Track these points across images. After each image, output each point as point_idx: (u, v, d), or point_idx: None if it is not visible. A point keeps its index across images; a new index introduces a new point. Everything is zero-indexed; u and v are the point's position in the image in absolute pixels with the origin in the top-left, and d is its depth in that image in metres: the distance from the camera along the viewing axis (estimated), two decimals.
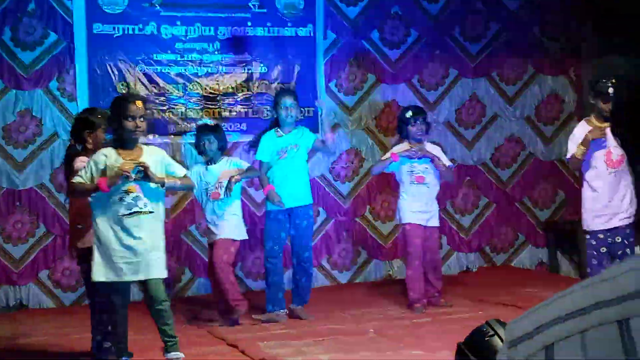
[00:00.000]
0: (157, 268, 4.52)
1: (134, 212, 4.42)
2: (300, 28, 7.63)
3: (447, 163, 6.44)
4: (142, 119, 4.50)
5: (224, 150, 6.10)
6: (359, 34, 7.85)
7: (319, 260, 7.68)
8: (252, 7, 7.49)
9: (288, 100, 6.09)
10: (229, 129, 7.46)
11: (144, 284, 4.59)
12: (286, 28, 7.60)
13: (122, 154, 4.47)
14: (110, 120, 4.55)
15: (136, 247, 4.43)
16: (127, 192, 4.40)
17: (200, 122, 6.25)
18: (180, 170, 4.73)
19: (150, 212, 4.47)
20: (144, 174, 4.36)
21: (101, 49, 7.12)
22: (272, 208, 6.06)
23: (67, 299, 7.10)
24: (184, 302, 6.88)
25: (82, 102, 7.03)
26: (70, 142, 5.02)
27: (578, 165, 5.42)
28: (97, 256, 4.42)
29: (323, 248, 7.78)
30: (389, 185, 7.96)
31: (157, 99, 7.29)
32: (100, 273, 4.41)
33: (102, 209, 4.43)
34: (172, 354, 4.59)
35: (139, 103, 4.55)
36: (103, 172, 4.41)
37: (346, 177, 7.91)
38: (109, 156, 4.45)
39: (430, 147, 6.39)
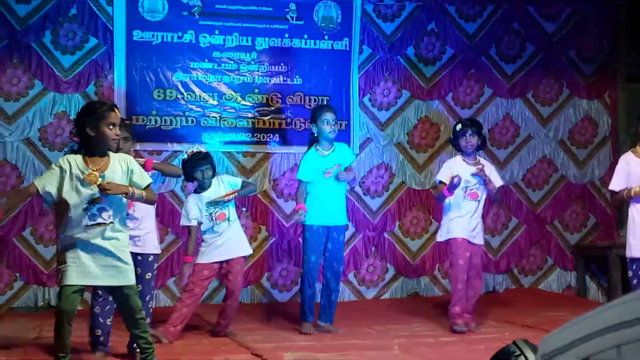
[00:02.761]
0: (125, 275, 4.40)
1: (98, 224, 4.31)
2: (337, 41, 7.67)
3: (500, 182, 6.35)
4: (118, 128, 4.38)
5: (214, 175, 5.95)
6: (394, 49, 7.87)
7: (346, 275, 7.68)
8: (290, 19, 7.55)
9: (330, 116, 6.05)
10: (262, 140, 7.52)
11: (115, 294, 4.49)
12: (323, 41, 7.64)
13: (90, 161, 4.32)
14: (82, 126, 4.30)
15: (101, 256, 4.32)
16: (93, 202, 4.29)
17: (190, 151, 6.02)
18: (144, 181, 4.50)
19: (112, 223, 4.35)
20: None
21: (140, 56, 7.22)
22: (311, 222, 6.05)
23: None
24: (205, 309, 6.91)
25: (119, 108, 7.08)
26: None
27: (623, 201, 5.48)
28: (64, 261, 4.30)
29: (351, 263, 7.78)
30: (420, 202, 7.96)
31: (192, 106, 7.36)
32: (69, 278, 4.28)
33: (69, 217, 4.33)
34: None
35: (117, 111, 4.42)
36: (61, 179, 4.29)
37: (376, 192, 7.91)
38: (73, 164, 4.31)
39: (485, 164, 6.27)
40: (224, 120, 7.44)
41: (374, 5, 7.83)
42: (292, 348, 5.39)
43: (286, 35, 7.55)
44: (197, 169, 5.75)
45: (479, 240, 6.18)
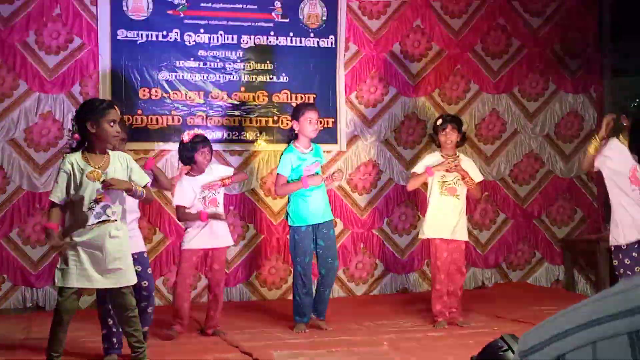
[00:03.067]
0: (125, 276, 4.46)
1: (103, 221, 4.35)
2: (322, 39, 7.66)
3: (479, 178, 6.37)
4: (118, 125, 4.43)
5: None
6: (380, 46, 7.87)
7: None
8: (275, 16, 7.54)
9: (314, 115, 6.06)
10: (248, 138, 7.51)
11: (111, 292, 4.50)
12: (308, 38, 7.64)
13: (90, 159, 4.37)
14: (83, 123, 4.35)
15: (105, 256, 4.35)
16: (97, 201, 4.33)
17: (190, 133, 6.01)
18: (143, 180, 4.56)
19: (116, 221, 4.40)
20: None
21: (125, 55, 7.18)
22: (299, 223, 6.04)
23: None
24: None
25: None
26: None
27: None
28: (65, 262, 4.34)
29: (340, 259, 7.76)
30: (407, 197, 7.97)
31: (178, 105, 7.34)
32: (67, 280, 4.32)
33: (72, 217, 4.38)
34: None
35: (117, 109, 4.46)
36: (69, 179, 4.33)
37: (364, 188, 7.92)
38: (75, 162, 4.34)
39: (465, 160, 6.31)
40: (210, 118, 7.42)
41: (359, 2, 7.83)
42: (282, 346, 5.40)
43: (272, 33, 7.53)
44: (198, 151, 5.78)
45: (460, 236, 6.20)
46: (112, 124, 4.34)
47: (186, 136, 5.88)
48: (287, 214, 6.14)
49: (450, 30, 8.09)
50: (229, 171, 6.10)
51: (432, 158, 6.33)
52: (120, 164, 4.44)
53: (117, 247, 4.40)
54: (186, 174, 5.93)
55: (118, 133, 4.44)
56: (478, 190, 6.42)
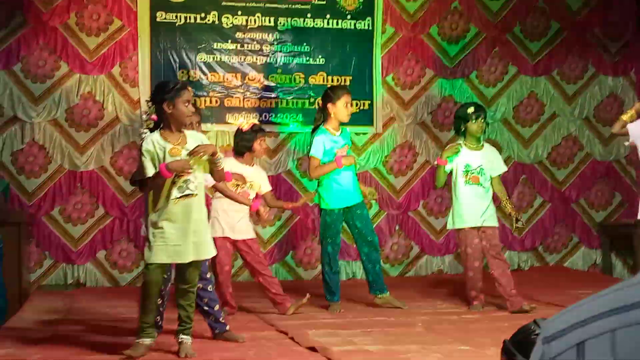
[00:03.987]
0: (206, 249, 4.62)
1: (186, 195, 4.51)
2: (359, 21, 7.66)
3: (503, 169, 6.25)
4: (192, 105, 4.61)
5: None
6: (417, 28, 7.84)
7: None
8: None
9: (350, 98, 6.07)
10: (285, 120, 7.55)
11: (183, 265, 4.62)
12: (345, 20, 7.64)
13: (168, 138, 4.51)
14: (160, 104, 4.49)
15: (187, 229, 4.50)
16: (179, 175, 4.47)
17: (248, 122, 6.06)
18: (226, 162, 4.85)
19: (198, 195, 4.55)
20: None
21: (163, 37, 7.27)
22: (332, 206, 6.09)
23: (122, 280, 7.28)
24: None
25: (144, 88, 7.19)
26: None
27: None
28: (152, 239, 4.51)
29: (376, 235, 7.79)
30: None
31: (215, 87, 7.41)
32: (156, 256, 4.53)
33: (156, 194, 4.54)
34: (185, 337, 4.64)
35: (190, 90, 4.63)
36: (152, 158, 4.45)
37: (400, 171, 7.93)
38: (155, 142, 4.49)
39: (488, 148, 6.24)
40: (247, 100, 7.48)
41: None
42: (317, 325, 5.45)
43: (308, 15, 7.55)
44: (257, 140, 5.86)
45: (490, 222, 6.10)
46: (186, 104, 4.51)
47: (245, 125, 5.92)
48: (319, 196, 6.18)
49: (488, 12, 8.02)
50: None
51: (451, 150, 6.23)
52: (194, 141, 4.60)
53: (199, 219, 4.56)
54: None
55: (192, 113, 4.63)
56: (500, 187, 6.20)
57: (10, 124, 7.05)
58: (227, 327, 5.05)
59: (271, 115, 7.53)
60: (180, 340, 4.60)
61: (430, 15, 7.88)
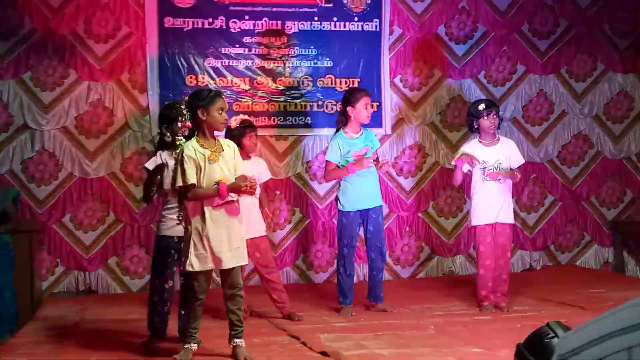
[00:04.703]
0: (244, 255, 4.71)
1: (227, 202, 4.58)
2: (367, 23, 7.65)
3: (521, 161, 6.24)
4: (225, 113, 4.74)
5: None
6: (425, 29, 7.83)
7: None
8: (319, 1, 7.55)
9: (369, 100, 6.11)
10: (294, 123, 7.55)
11: (226, 270, 4.69)
12: (352, 22, 7.63)
13: (205, 144, 4.61)
14: (194, 111, 4.62)
15: (230, 235, 4.60)
16: (218, 183, 4.55)
17: (238, 118, 6.05)
18: (243, 167, 4.84)
19: (237, 201, 4.66)
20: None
21: (171, 42, 7.28)
22: (348, 208, 6.09)
23: (134, 286, 7.29)
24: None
25: (153, 94, 7.21)
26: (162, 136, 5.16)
27: None
28: (193, 247, 4.56)
29: (385, 243, 7.79)
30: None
31: (224, 92, 7.40)
32: (200, 263, 4.56)
33: (197, 201, 4.59)
34: (239, 341, 4.71)
35: (224, 98, 4.74)
36: (196, 167, 4.55)
37: (409, 172, 7.91)
38: (196, 149, 4.59)
39: (504, 142, 6.24)
40: (256, 104, 7.48)
41: None
42: (329, 329, 5.45)
43: (315, 18, 7.55)
44: (246, 136, 5.89)
45: (504, 218, 6.11)
46: (220, 111, 4.63)
47: (233, 122, 5.93)
48: (337, 198, 6.20)
49: (496, 11, 8.00)
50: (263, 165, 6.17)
51: (469, 146, 6.24)
52: (229, 148, 4.72)
53: (239, 226, 4.67)
54: None
55: (226, 120, 4.77)
56: (513, 175, 6.21)
57: (20, 132, 7.07)
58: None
59: (280, 119, 7.53)
60: (234, 344, 4.73)
61: (437, 16, 7.86)
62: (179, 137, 4.95)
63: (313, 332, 5.31)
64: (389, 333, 5.31)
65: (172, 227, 4.99)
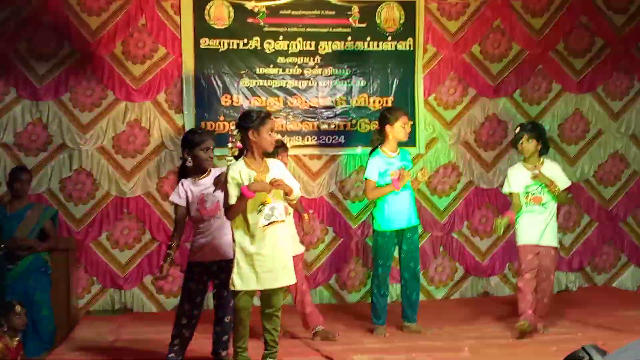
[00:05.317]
0: (289, 275, 4.73)
1: (272, 222, 4.61)
2: (400, 42, 7.67)
3: (566, 184, 6.15)
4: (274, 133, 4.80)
5: None
6: (459, 47, 7.82)
7: None
8: (352, 22, 7.58)
9: (406, 118, 6.12)
10: (327, 142, 7.58)
11: (267, 290, 4.72)
12: (386, 42, 7.65)
13: (252, 166, 4.66)
14: (245, 132, 4.67)
15: (275, 256, 4.63)
16: (264, 203, 4.59)
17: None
18: (295, 185, 4.81)
19: (283, 221, 4.68)
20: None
21: (207, 63, 7.36)
22: (384, 228, 6.09)
23: (168, 305, 7.34)
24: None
25: (189, 114, 7.29)
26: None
27: None
28: (237, 266, 4.61)
29: (419, 263, 7.76)
30: (488, 200, 7.90)
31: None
32: (245, 283, 4.60)
33: (242, 221, 4.62)
34: None
35: (274, 119, 4.83)
36: (237, 186, 4.59)
37: (443, 191, 7.88)
38: (242, 170, 4.64)
39: (548, 166, 6.14)
40: (290, 124, 7.53)
41: (438, 4, 7.79)
42: (361, 350, 5.44)
43: (349, 38, 7.58)
44: (279, 155, 5.72)
45: (548, 241, 6.05)
46: (270, 132, 4.69)
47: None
48: (373, 217, 6.20)
49: (531, 29, 7.96)
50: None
51: (514, 171, 6.19)
52: (277, 168, 4.77)
53: (284, 246, 4.70)
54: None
55: (275, 141, 4.84)
56: (564, 196, 6.20)
57: (59, 152, 7.19)
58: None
59: (314, 138, 7.56)
60: None
61: (472, 34, 7.85)
62: (229, 158, 4.99)
63: (346, 353, 5.30)
64: (422, 354, 5.28)
65: (202, 253, 5.02)
